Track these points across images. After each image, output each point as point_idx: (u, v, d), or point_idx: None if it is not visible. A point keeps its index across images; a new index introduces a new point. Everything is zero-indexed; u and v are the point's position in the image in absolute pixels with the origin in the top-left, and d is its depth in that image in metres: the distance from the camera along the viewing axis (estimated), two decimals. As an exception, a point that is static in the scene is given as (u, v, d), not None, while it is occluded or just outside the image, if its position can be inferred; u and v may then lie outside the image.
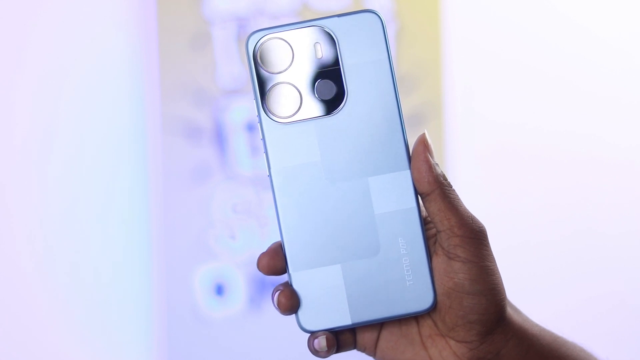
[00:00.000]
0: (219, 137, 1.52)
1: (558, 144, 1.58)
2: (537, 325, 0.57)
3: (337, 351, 0.56)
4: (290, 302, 0.54)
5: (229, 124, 1.53)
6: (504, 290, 0.54)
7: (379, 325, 0.56)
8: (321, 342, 0.54)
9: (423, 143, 0.54)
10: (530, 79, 1.58)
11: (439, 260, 0.54)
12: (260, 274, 1.51)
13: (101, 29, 1.51)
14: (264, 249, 0.55)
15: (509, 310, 0.55)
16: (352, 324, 0.55)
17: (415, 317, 0.56)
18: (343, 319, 0.54)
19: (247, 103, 1.53)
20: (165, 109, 1.50)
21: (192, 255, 1.51)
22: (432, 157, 0.54)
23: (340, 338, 0.56)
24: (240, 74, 1.52)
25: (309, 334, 0.55)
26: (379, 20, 0.55)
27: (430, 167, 0.54)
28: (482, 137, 1.56)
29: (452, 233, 0.53)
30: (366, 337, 0.56)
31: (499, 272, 0.54)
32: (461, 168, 1.55)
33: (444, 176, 0.54)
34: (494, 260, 0.54)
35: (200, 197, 1.51)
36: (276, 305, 0.54)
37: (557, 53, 1.58)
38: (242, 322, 1.51)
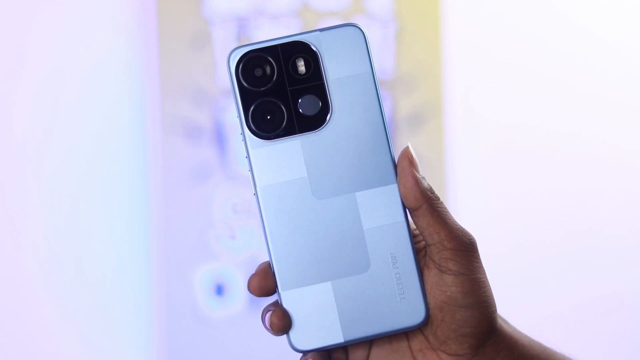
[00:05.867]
0: (219, 137, 1.52)
1: (558, 144, 1.58)
2: (525, 336, 0.56)
3: None
4: (282, 322, 0.53)
5: (229, 124, 1.53)
6: (495, 303, 0.54)
7: (370, 341, 0.55)
8: None
9: (407, 157, 0.53)
10: (530, 79, 1.58)
11: (430, 274, 0.53)
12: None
13: (101, 29, 1.51)
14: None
15: (499, 321, 0.55)
16: (345, 342, 0.54)
17: (405, 332, 0.55)
18: (335, 337, 0.54)
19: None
20: (165, 109, 1.50)
21: (192, 255, 1.51)
22: (417, 171, 0.53)
23: (333, 356, 0.55)
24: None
25: (300, 354, 0.54)
26: (361, 34, 0.54)
27: (417, 182, 0.53)
28: (482, 137, 1.56)
29: (442, 246, 0.52)
30: (358, 354, 0.56)
31: (489, 284, 0.54)
32: (461, 168, 1.55)
33: (431, 190, 0.54)
34: (485, 273, 0.53)
35: (200, 197, 1.51)
36: (268, 327, 0.53)
37: (557, 53, 1.58)
38: (242, 322, 1.51)
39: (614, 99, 1.59)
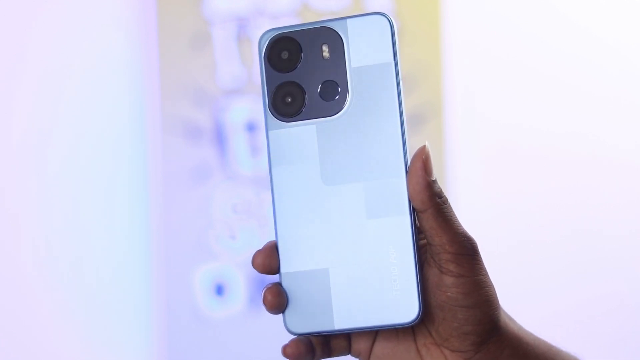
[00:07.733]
0: (219, 137, 1.52)
1: (558, 144, 1.58)
2: (531, 334, 0.56)
3: (331, 355, 0.55)
4: (276, 300, 0.53)
5: (229, 124, 1.53)
6: (497, 301, 0.53)
7: (375, 332, 0.55)
8: (287, 350, 0.54)
9: (422, 159, 0.52)
10: (530, 80, 1.58)
11: (431, 273, 0.53)
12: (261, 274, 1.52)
13: (101, 29, 1.51)
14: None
15: (504, 319, 0.54)
16: (336, 330, 0.53)
17: (411, 326, 0.54)
18: (327, 324, 0.53)
19: (247, 103, 1.53)
20: (165, 109, 1.50)
21: (192, 255, 1.51)
22: (429, 173, 0.52)
23: (333, 342, 0.55)
24: (241, 74, 1.52)
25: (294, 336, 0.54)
26: (389, 24, 0.54)
27: (427, 185, 0.52)
28: (482, 137, 1.56)
29: (443, 249, 0.52)
30: (361, 343, 0.56)
31: (491, 283, 0.53)
32: (461, 168, 1.55)
33: (439, 194, 0.53)
34: (486, 273, 0.53)
35: (200, 197, 1.51)
36: (263, 302, 0.54)
37: (557, 53, 1.58)
38: (242, 322, 1.51)
39: (614, 99, 1.59)
